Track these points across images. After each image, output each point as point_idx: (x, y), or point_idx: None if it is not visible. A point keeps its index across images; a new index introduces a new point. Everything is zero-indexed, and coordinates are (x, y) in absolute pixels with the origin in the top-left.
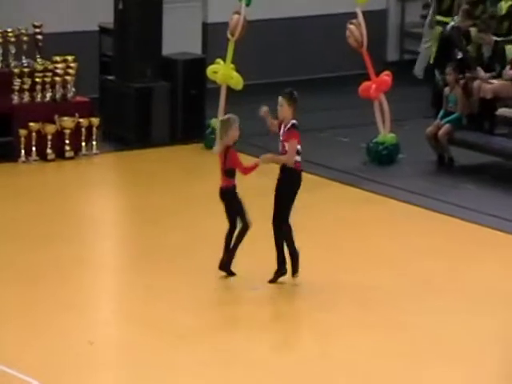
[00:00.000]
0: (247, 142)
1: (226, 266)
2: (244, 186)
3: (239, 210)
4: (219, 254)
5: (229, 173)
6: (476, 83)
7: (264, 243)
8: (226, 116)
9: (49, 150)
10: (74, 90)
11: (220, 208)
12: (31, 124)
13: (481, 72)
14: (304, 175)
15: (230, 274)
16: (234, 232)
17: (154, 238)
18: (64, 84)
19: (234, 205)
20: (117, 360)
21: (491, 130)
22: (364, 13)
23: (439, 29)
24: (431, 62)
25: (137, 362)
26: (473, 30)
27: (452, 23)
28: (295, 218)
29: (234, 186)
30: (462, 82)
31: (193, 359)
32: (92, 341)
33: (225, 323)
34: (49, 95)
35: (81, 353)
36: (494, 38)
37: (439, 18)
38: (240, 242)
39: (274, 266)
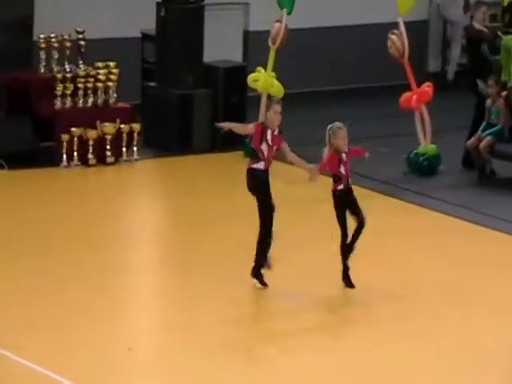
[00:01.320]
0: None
1: (345, 276)
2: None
3: (338, 216)
4: (250, 262)
5: (333, 177)
6: None
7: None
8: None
9: (90, 156)
10: (115, 95)
11: (255, 216)
12: (73, 129)
13: None
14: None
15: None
16: (346, 238)
17: (193, 245)
18: (106, 90)
19: (336, 209)
20: (155, 367)
21: None
22: (406, 23)
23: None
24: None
25: (174, 369)
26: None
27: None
28: (334, 230)
29: (336, 191)
30: (504, 94)
31: (230, 368)
32: (131, 347)
33: (262, 333)
34: (91, 101)
35: (119, 359)
36: None
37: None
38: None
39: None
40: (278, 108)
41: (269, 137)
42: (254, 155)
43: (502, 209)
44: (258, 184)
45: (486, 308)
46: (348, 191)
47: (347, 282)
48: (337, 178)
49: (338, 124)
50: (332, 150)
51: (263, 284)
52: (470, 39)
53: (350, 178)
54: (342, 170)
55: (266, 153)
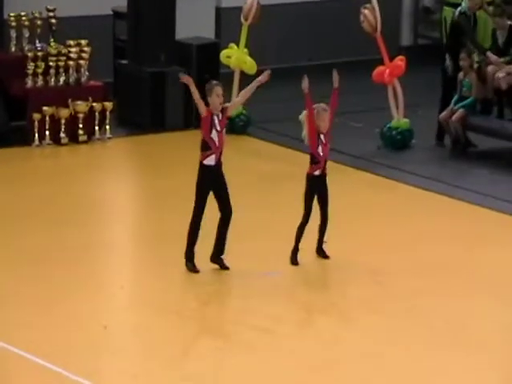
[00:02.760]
0: (260, 126)
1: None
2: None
3: (305, 200)
4: (232, 238)
5: (311, 158)
6: (490, 68)
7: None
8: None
9: (62, 134)
10: (87, 74)
11: (231, 192)
12: (45, 108)
13: (492, 57)
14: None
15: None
16: (306, 223)
17: (168, 222)
18: (78, 68)
19: (306, 193)
20: (130, 344)
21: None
22: None
23: (448, 10)
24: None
25: (150, 347)
26: (482, 12)
27: (459, 8)
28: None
29: (310, 175)
30: (476, 66)
31: (207, 344)
32: (106, 325)
33: (241, 310)
34: (62, 79)
35: (95, 337)
36: (509, 23)
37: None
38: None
39: (288, 251)
40: (219, 91)
41: (216, 122)
42: (205, 147)
43: (475, 182)
44: (208, 183)
45: (467, 285)
46: (322, 178)
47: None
48: (315, 160)
49: (323, 105)
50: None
51: (224, 267)
52: (456, 21)
53: (327, 160)
54: (320, 151)
55: (217, 141)
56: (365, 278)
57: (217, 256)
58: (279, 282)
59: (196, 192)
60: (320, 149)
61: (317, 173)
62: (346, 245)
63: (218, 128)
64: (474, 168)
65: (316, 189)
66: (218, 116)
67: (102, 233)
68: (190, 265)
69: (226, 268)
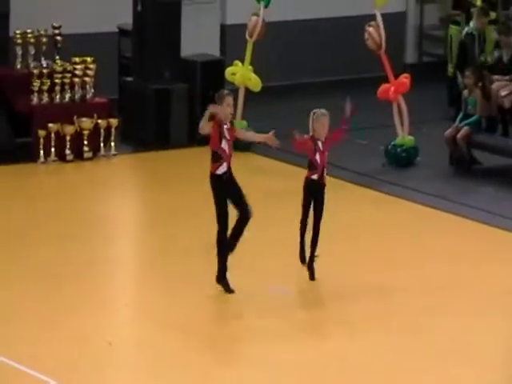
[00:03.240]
0: (264, 143)
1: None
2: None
3: (303, 203)
4: (237, 255)
5: (308, 165)
6: (494, 85)
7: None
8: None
9: (67, 151)
10: (92, 91)
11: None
12: (50, 125)
13: (494, 77)
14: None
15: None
16: (305, 225)
17: (172, 239)
18: (83, 85)
19: (303, 196)
20: (135, 360)
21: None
22: (383, 15)
23: (454, 29)
24: (452, 64)
25: (155, 363)
26: (489, 30)
27: (466, 29)
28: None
29: (308, 178)
30: (480, 84)
31: (210, 360)
32: (111, 342)
33: (245, 327)
34: (68, 96)
35: (99, 353)
36: None
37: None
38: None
39: (293, 268)
40: (230, 100)
41: (226, 132)
42: (215, 157)
43: (480, 199)
44: (224, 191)
45: (472, 302)
46: (320, 184)
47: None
48: (312, 166)
49: (323, 111)
50: (310, 135)
51: (229, 291)
52: (464, 42)
53: (326, 169)
54: (318, 158)
55: (227, 150)
56: (369, 295)
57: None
58: (285, 298)
59: (216, 206)
60: (317, 156)
61: (314, 177)
62: (350, 262)
63: (228, 137)
64: (478, 185)
65: (312, 193)
66: (226, 125)
67: (106, 248)
68: (225, 283)
69: (231, 291)
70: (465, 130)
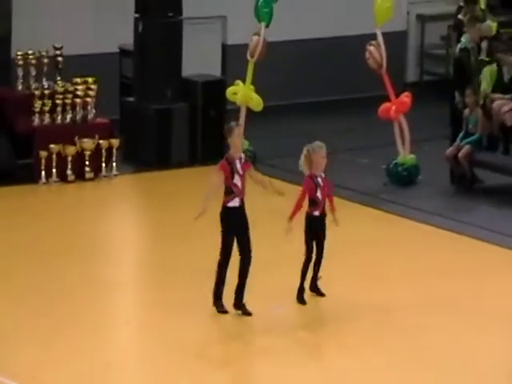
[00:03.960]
0: (265, 162)
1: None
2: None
3: (306, 240)
4: (233, 273)
5: (309, 201)
6: (495, 104)
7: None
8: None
9: (69, 172)
10: (94, 111)
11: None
12: (51, 146)
13: (495, 96)
14: None
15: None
16: (310, 261)
17: (174, 259)
18: (84, 105)
19: (306, 233)
20: (134, 382)
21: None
22: (384, 34)
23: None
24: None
25: (154, 383)
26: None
27: (459, 45)
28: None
29: (310, 215)
30: (481, 103)
31: (211, 380)
32: (110, 362)
33: (247, 347)
34: (69, 117)
35: (98, 374)
36: None
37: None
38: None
39: (293, 288)
40: (240, 131)
41: (238, 166)
42: (227, 191)
43: (481, 217)
44: (232, 224)
45: (473, 321)
46: (322, 218)
47: (301, 298)
48: (313, 203)
49: (318, 143)
50: (307, 175)
51: (222, 311)
52: (459, 58)
53: (327, 201)
54: (319, 194)
55: (239, 185)
56: (370, 313)
57: (239, 302)
58: (285, 318)
59: (222, 237)
60: (318, 192)
61: (316, 213)
62: (351, 280)
63: (241, 172)
64: (480, 204)
65: (315, 228)
66: (240, 160)
67: (107, 268)
68: (219, 304)
69: (249, 314)
70: (466, 148)
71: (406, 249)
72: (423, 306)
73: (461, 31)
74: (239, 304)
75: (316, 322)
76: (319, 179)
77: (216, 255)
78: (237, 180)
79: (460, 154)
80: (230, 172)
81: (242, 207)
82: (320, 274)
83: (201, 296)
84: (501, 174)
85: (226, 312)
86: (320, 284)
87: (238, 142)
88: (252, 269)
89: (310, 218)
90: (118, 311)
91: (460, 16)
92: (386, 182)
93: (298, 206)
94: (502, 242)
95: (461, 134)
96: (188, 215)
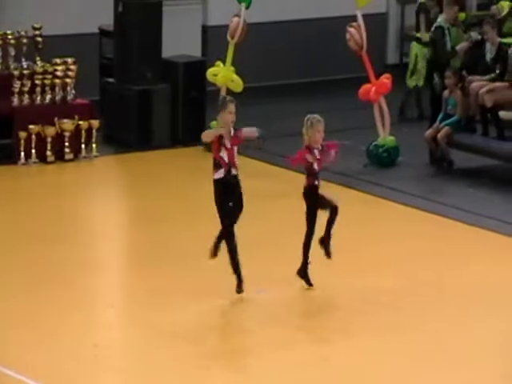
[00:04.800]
0: (246, 144)
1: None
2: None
3: (308, 213)
4: (221, 256)
5: (306, 171)
6: (474, 85)
7: (269, 247)
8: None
9: (48, 153)
10: (73, 92)
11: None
12: (31, 126)
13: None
14: (304, 178)
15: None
16: (311, 236)
17: (156, 240)
18: (64, 86)
19: (307, 205)
20: (121, 363)
21: (487, 132)
22: (364, 16)
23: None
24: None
25: (140, 366)
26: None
27: (435, 24)
28: (296, 220)
29: (309, 186)
30: (460, 84)
31: (197, 362)
32: (96, 344)
33: (228, 326)
34: (49, 97)
35: (85, 355)
36: (499, 40)
37: None
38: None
39: (279, 270)
40: (232, 108)
41: (226, 141)
42: (215, 164)
43: (460, 199)
44: (222, 195)
45: (453, 302)
46: (317, 187)
47: (306, 279)
48: (311, 173)
49: (317, 117)
50: (305, 145)
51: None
52: (434, 36)
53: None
54: (316, 166)
55: (226, 158)
56: (351, 298)
57: (216, 249)
58: (274, 304)
59: (216, 207)
60: (315, 164)
61: (316, 183)
62: (331, 264)
63: (228, 145)
64: (458, 185)
65: (317, 197)
66: (229, 134)
67: (88, 250)
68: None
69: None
70: (445, 130)
71: (387, 230)
72: (404, 289)
73: (427, 15)
74: (215, 250)
75: (305, 309)
76: (316, 151)
77: (199, 237)
78: (223, 153)
79: (439, 136)
80: (218, 145)
81: (227, 177)
82: (310, 259)
83: (186, 278)
84: (480, 155)
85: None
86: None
87: (227, 118)
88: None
89: (310, 188)
90: (101, 294)
91: (424, 0)
92: (366, 163)
93: (295, 161)
94: (480, 224)
95: (440, 116)
96: (169, 197)
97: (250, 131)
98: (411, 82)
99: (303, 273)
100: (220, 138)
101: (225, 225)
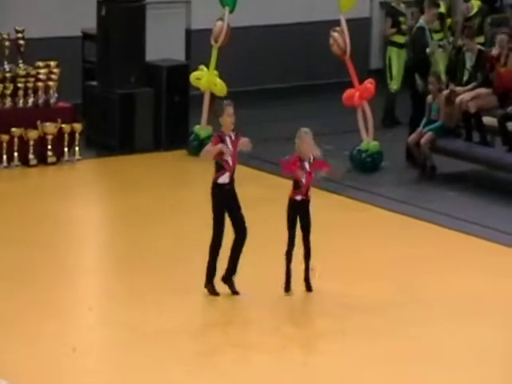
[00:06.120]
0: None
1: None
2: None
3: (288, 224)
4: (203, 260)
5: (294, 184)
6: (458, 99)
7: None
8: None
9: (31, 156)
10: (56, 95)
11: (202, 214)
12: (13, 129)
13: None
14: (287, 183)
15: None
16: (293, 247)
17: (137, 243)
18: (46, 89)
19: (288, 217)
20: (99, 366)
21: (471, 138)
22: (348, 21)
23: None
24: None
25: (119, 369)
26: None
27: (417, 24)
28: (277, 226)
29: (292, 199)
30: (445, 93)
31: (177, 363)
32: (75, 347)
33: (208, 327)
34: (31, 101)
35: (64, 359)
36: (478, 47)
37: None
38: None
39: (262, 273)
40: (230, 111)
41: (229, 143)
42: (218, 166)
43: (443, 204)
44: (223, 201)
45: (435, 308)
46: (304, 202)
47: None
48: (297, 186)
49: (305, 129)
50: (296, 155)
51: (214, 294)
52: (415, 37)
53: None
54: (304, 179)
55: (230, 161)
56: (334, 304)
57: (228, 276)
58: (258, 309)
59: (213, 213)
60: (304, 177)
61: (298, 197)
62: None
63: (231, 148)
64: (442, 190)
65: (297, 213)
66: (230, 137)
67: (70, 254)
68: (211, 287)
69: (236, 293)
70: (428, 135)
71: (370, 235)
72: (387, 294)
73: (394, 17)
74: (227, 278)
75: (276, 307)
76: (306, 164)
77: (180, 240)
78: (227, 156)
79: (422, 141)
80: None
81: (231, 184)
82: (311, 265)
83: (166, 281)
84: (463, 160)
85: (217, 294)
86: (312, 276)
87: (228, 121)
88: (225, 256)
89: (292, 203)
90: (80, 297)
91: (393, 4)
92: (349, 168)
93: (287, 166)
94: (464, 229)
95: (423, 121)
96: (151, 200)
97: (243, 144)
98: (393, 86)
99: (287, 284)
100: (224, 141)
101: (215, 235)
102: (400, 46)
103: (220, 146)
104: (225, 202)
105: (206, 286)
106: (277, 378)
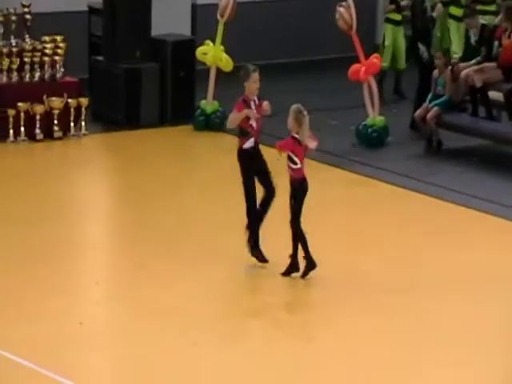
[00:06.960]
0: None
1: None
2: None
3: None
4: (208, 235)
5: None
6: (463, 74)
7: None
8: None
9: (37, 131)
10: (62, 70)
11: (208, 190)
12: (20, 104)
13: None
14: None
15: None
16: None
17: (143, 219)
18: (53, 64)
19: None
20: (106, 340)
21: (477, 113)
22: None
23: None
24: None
25: (126, 343)
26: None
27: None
28: (283, 200)
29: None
30: (450, 66)
31: (183, 340)
32: (82, 321)
33: (215, 302)
34: (37, 75)
35: (71, 333)
36: (481, 22)
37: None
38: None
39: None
40: (256, 76)
41: (253, 108)
42: (242, 133)
43: (449, 179)
44: (250, 165)
45: (437, 282)
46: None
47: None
48: (293, 163)
49: (299, 107)
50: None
51: (263, 260)
52: (415, 5)
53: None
54: (254, 124)
55: (255, 126)
56: (339, 277)
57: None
58: (251, 280)
59: (243, 178)
60: (300, 154)
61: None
62: (320, 242)
63: (256, 113)
64: (446, 165)
65: (253, 164)
66: (254, 102)
67: (77, 229)
68: (259, 254)
69: (265, 261)
70: (434, 110)
71: (376, 210)
72: (391, 269)
73: None
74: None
75: (286, 286)
76: (252, 104)
77: (186, 216)
78: (252, 121)
79: (428, 116)
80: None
81: (257, 148)
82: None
83: (173, 256)
84: (469, 135)
85: (266, 261)
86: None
87: (253, 87)
88: (216, 229)
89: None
90: (87, 272)
91: None
92: (355, 143)
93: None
94: (469, 204)
95: (429, 96)
96: (157, 175)
97: (266, 107)
98: (383, 62)
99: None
100: (247, 106)
101: (249, 202)
102: (396, 23)
103: (246, 111)
104: (253, 165)
105: (252, 254)
106: (282, 353)
